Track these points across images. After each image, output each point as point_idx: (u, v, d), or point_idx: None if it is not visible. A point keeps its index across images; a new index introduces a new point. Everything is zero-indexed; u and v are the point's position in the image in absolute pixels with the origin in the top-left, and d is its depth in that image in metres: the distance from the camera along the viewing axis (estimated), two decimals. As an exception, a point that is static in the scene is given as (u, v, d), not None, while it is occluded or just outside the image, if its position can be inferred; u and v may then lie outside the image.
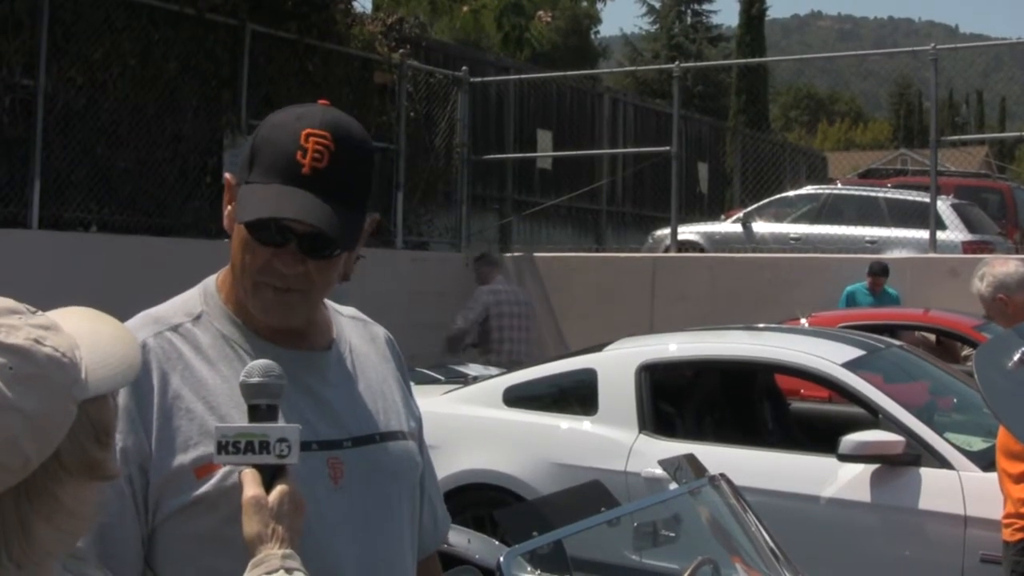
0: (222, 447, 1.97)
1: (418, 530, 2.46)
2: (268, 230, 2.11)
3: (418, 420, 2.47)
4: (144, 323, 2.22)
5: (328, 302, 2.41)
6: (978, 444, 6.63)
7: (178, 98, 13.04)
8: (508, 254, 16.55)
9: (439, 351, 11.82)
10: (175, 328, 2.22)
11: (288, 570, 1.87)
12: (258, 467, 1.98)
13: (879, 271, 13.01)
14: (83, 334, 1.67)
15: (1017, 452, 5.20)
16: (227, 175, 2.25)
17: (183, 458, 2.10)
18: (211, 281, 2.31)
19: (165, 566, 2.14)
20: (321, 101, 2.21)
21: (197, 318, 2.24)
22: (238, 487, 2.01)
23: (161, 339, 2.19)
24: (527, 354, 11.77)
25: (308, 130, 2.10)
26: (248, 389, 2.02)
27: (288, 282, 2.14)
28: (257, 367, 2.02)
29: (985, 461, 6.28)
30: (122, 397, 2.09)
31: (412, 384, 2.57)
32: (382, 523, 2.26)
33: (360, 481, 2.22)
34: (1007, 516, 5.29)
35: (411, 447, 2.37)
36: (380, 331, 2.51)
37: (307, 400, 2.21)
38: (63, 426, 1.57)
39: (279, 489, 1.95)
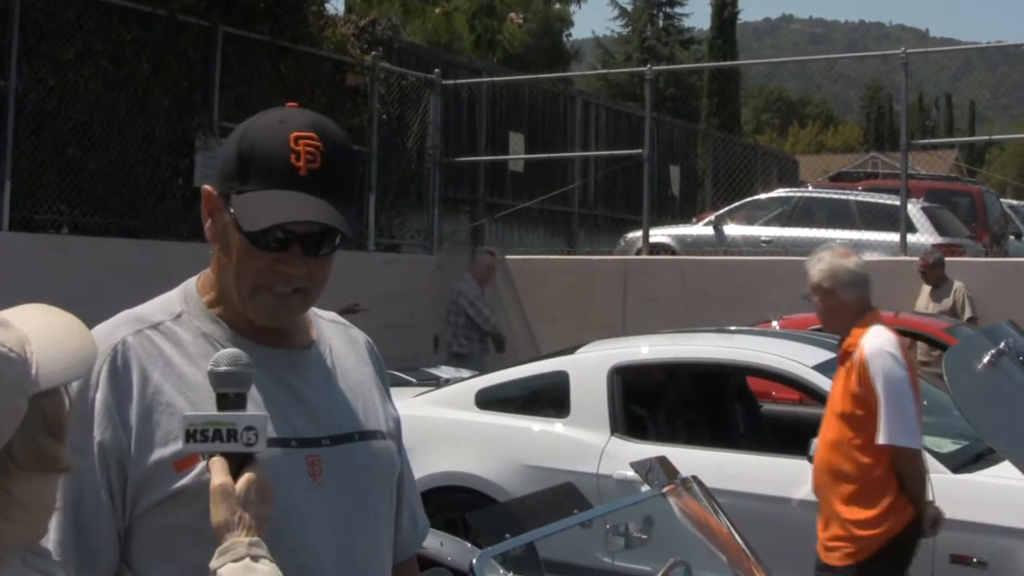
0: (190, 435, 1.98)
1: (397, 533, 2.48)
2: (272, 236, 2.14)
3: (396, 423, 2.48)
4: (125, 321, 2.24)
5: None
6: (948, 446, 6.67)
7: (150, 99, 12.99)
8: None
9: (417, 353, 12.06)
10: (155, 326, 2.23)
11: (254, 557, 1.87)
12: (226, 456, 1.98)
13: None
14: (34, 328, 1.68)
15: (847, 472, 5.19)
16: (206, 187, 2.25)
17: (163, 452, 2.11)
18: (191, 283, 2.33)
19: (142, 560, 2.15)
20: (290, 104, 2.25)
21: (178, 317, 2.26)
22: None
23: (141, 336, 2.20)
24: (457, 344, 12.65)
25: (296, 133, 2.14)
26: (216, 378, 2.02)
27: (292, 283, 2.18)
28: (225, 356, 2.03)
29: (955, 463, 6.32)
30: (101, 392, 2.12)
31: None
32: (360, 521, 2.26)
33: (339, 479, 2.23)
34: (834, 539, 5.22)
35: (390, 447, 2.39)
36: (360, 335, 2.53)
37: (287, 397, 2.22)
38: (13, 421, 1.58)
39: (246, 477, 1.96)
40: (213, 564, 1.87)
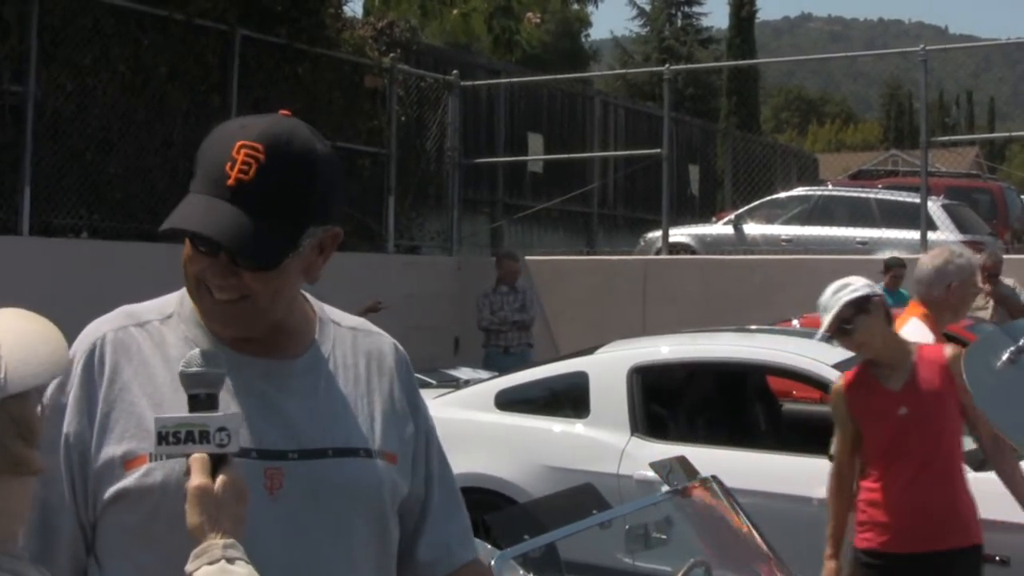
0: (162, 437, 1.95)
1: (412, 561, 2.38)
2: (200, 239, 2.09)
3: (402, 442, 2.36)
4: (115, 316, 2.24)
5: (331, 310, 2.37)
6: (968, 444, 6.63)
7: (168, 103, 13.02)
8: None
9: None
10: (143, 324, 2.22)
11: (230, 559, 1.85)
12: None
13: (896, 263, 12.75)
14: (5, 331, 1.67)
15: None
16: None
17: (115, 450, 2.10)
18: None
19: (104, 557, 2.14)
20: (283, 112, 2.17)
21: (168, 318, 2.24)
22: (160, 485, 2.04)
23: (124, 332, 2.19)
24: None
25: (241, 142, 2.06)
26: (187, 379, 2.00)
27: (226, 292, 2.12)
28: (195, 357, 2.01)
29: (977, 460, 6.29)
30: (75, 386, 2.12)
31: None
32: (328, 540, 2.18)
33: (301, 495, 2.14)
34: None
35: (373, 466, 2.25)
36: (385, 344, 2.43)
37: (257, 407, 2.15)
38: None
39: (221, 478, 1.93)
40: (189, 567, 1.86)
